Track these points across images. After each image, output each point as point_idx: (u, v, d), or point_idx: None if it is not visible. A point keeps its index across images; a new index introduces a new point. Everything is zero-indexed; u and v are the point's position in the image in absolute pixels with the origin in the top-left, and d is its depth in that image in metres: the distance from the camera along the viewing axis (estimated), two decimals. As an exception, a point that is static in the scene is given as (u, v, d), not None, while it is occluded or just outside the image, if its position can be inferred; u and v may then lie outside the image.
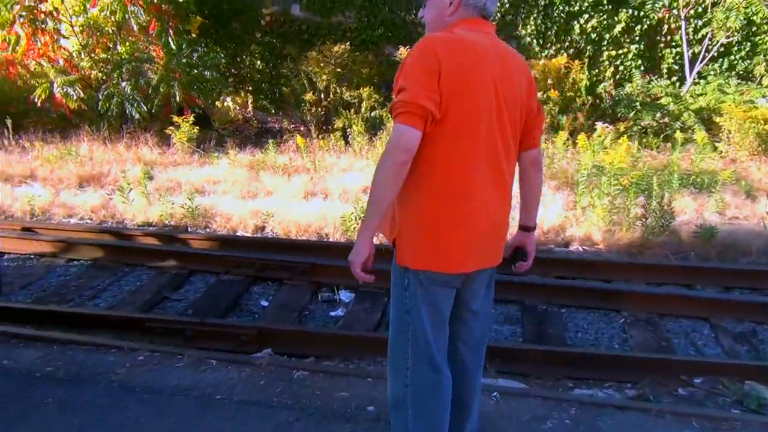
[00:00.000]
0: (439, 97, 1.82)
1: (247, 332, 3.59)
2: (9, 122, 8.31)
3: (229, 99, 10.67)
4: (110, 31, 8.92)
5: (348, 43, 9.21)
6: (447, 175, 1.90)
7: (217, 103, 10.43)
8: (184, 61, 8.94)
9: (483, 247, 2.03)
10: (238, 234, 5.72)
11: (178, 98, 8.70)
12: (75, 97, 8.45)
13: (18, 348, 3.22)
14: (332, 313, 4.21)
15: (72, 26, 8.66)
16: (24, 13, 8.26)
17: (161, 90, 8.73)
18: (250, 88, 10.81)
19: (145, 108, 8.77)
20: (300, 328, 3.87)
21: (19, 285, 4.43)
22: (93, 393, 2.82)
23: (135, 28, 8.78)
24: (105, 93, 8.64)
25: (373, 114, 8.81)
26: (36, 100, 8.40)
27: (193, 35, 9.62)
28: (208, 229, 5.86)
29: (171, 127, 8.49)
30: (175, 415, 2.69)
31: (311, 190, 6.96)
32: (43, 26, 8.41)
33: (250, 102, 10.93)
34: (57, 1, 8.37)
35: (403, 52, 8.26)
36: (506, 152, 2.00)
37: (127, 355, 3.20)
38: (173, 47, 8.95)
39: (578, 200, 6.04)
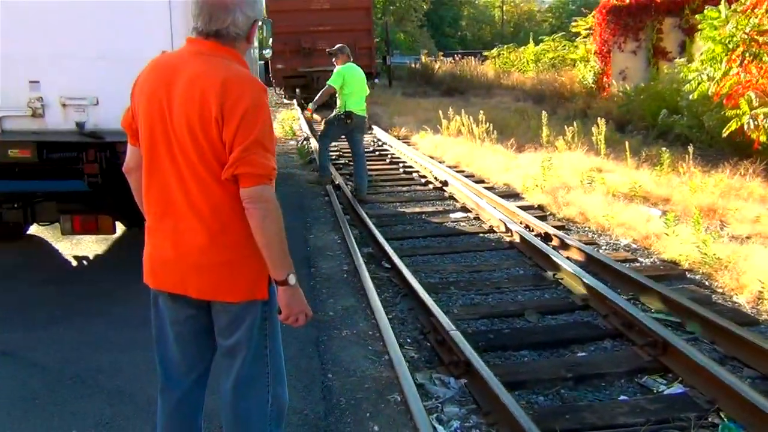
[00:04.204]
0: (132, 113, 2.05)
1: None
2: (690, 148, 8.70)
3: None
4: None
5: None
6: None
7: None
8: None
9: (173, 271, 2.05)
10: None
11: None
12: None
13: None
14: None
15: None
16: (739, 47, 8.28)
17: None
18: None
19: None
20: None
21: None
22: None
23: None
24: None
25: None
26: (725, 132, 8.39)
27: None
28: (702, 284, 5.11)
29: None
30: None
31: None
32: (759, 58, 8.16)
33: None
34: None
35: None
36: (180, 179, 1.96)
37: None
38: None
39: None
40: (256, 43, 10.07)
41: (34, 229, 5.98)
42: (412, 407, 3.10)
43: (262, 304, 2.11)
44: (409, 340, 4.13)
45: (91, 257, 5.53)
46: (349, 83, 7.99)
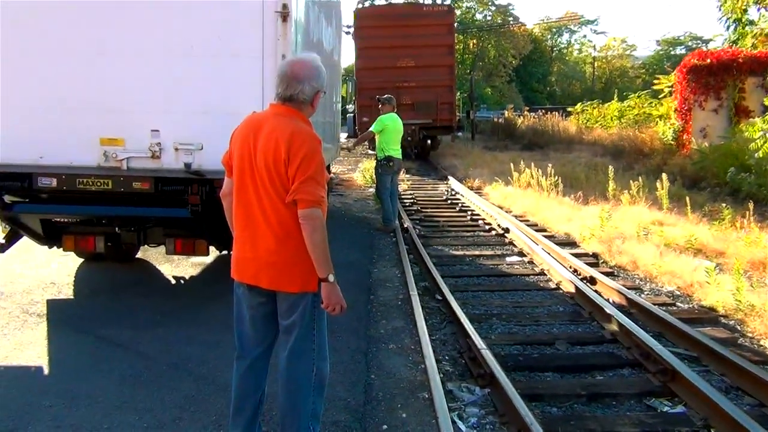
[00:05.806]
0: (230, 154, 2.91)
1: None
2: (751, 205, 8.89)
3: None
4: None
5: None
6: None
7: None
8: None
9: (250, 267, 2.84)
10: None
11: None
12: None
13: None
14: None
15: None
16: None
17: None
18: None
19: None
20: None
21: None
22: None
23: None
24: None
25: None
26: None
27: None
28: (732, 328, 5.46)
29: None
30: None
31: None
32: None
33: None
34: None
35: None
36: (259, 200, 2.76)
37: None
38: None
39: None
40: (339, 98, 11.21)
41: (141, 254, 7.06)
42: (436, 402, 3.74)
43: (313, 295, 2.87)
44: (447, 357, 4.76)
45: (186, 277, 6.50)
46: (390, 130, 9.03)
